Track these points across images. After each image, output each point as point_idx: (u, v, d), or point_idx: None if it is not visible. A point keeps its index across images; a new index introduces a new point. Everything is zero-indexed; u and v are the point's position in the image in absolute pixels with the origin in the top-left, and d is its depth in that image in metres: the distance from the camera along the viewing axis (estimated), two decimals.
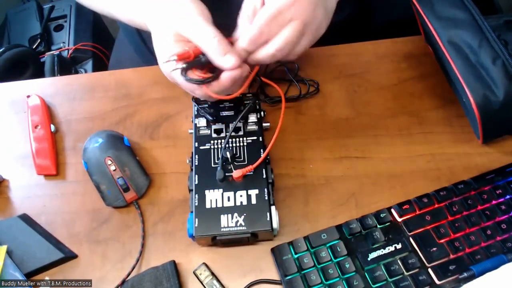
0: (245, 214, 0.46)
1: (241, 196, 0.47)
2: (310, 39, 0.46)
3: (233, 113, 0.53)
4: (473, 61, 0.50)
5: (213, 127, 0.52)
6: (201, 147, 0.51)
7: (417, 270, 0.45)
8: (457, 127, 0.55)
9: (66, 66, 1.06)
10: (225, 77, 0.44)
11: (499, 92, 0.48)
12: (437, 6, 0.53)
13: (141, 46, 0.79)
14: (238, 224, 0.46)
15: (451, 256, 0.46)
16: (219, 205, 0.47)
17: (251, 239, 0.47)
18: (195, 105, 0.54)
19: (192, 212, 0.47)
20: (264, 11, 0.44)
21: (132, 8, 0.51)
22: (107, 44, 1.22)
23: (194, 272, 0.47)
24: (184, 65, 0.44)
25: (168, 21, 0.46)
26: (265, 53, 0.45)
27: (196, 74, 0.44)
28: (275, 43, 0.44)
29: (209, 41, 0.43)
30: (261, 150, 0.50)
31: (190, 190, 0.49)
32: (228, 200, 0.47)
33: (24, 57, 1.02)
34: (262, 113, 0.53)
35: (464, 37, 0.51)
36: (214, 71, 0.45)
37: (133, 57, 0.80)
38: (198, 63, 0.45)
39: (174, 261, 0.48)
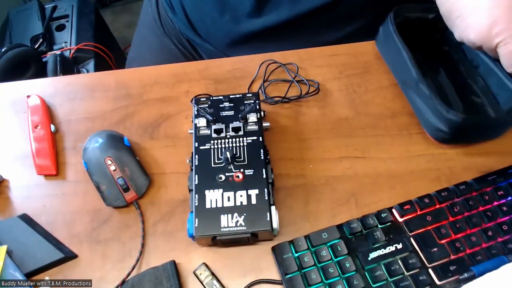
0: (245, 214, 0.46)
1: (241, 196, 0.47)
2: None
3: (233, 113, 0.53)
4: None
5: (213, 127, 0.52)
6: (201, 147, 0.51)
7: (417, 270, 0.45)
8: None
9: (68, 66, 1.06)
10: None
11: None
12: None
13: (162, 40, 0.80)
14: (238, 224, 0.46)
15: (452, 257, 0.46)
16: (219, 205, 0.47)
17: (251, 239, 0.47)
18: (195, 105, 0.54)
19: (192, 212, 0.47)
20: None
21: None
22: (109, 44, 1.22)
23: (194, 272, 0.47)
24: None
25: None
26: None
27: None
28: None
29: None
30: (261, 150, 0.50)
31: (190, 190, 0.49)
32: (228, 200, 0.47)
33: (26, 57, 1.02)
34: (262, 113, 0.53)
35: None
36: None
37: (154, 52, 0.81)
38: None
39: (174, 261, 0.48)
